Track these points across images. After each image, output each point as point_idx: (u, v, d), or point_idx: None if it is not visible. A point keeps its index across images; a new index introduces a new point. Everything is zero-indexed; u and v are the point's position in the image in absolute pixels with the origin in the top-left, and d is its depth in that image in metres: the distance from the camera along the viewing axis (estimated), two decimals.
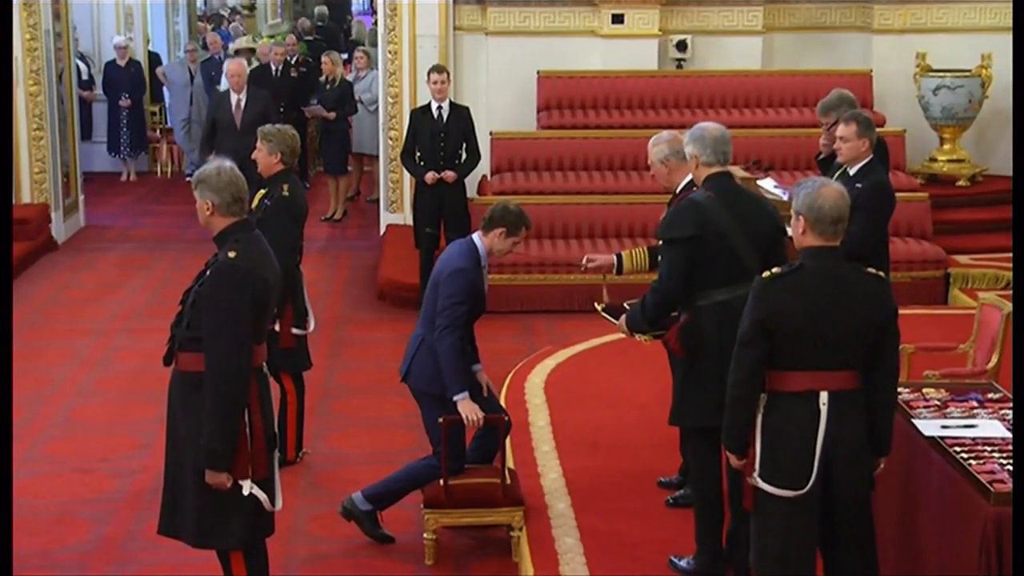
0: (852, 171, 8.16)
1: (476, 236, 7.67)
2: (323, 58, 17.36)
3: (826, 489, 5.76)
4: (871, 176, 8.08)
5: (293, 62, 17.60)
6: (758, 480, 5.82)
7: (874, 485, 5.91)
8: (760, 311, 5.75)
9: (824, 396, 5.70)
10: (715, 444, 6.74)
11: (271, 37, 19.93)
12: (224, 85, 17.83)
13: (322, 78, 17.18)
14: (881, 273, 5.85)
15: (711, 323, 6.76)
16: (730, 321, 6.40)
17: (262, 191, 8.62)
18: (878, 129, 8.50)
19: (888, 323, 5.76)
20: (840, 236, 5.75)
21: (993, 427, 6.21)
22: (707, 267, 6.76)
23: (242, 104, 13.65)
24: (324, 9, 27.91)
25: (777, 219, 6.99)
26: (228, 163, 6.28)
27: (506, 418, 7.73)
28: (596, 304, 7.74)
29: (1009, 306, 8.26)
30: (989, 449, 5.95)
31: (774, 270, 5.88)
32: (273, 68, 17.06)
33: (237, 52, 18.97)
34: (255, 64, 18.25)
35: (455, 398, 7.42)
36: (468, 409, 7.40)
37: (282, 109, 16.69)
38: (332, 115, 16.87)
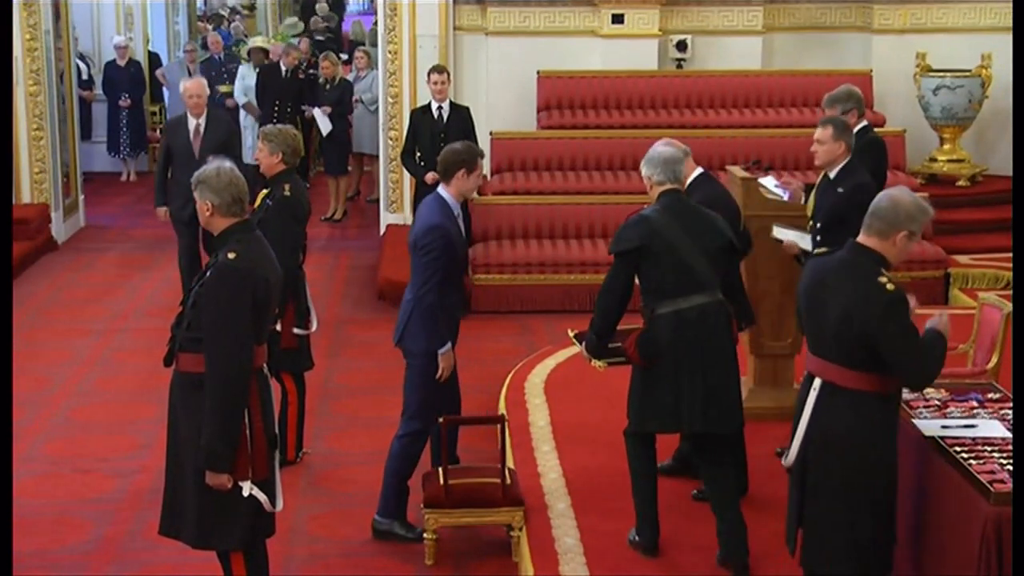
0: (832, 174, 8.22)
1: (441, 189, 7.78)
2: (322, 59, 17.35)
3: (806, 471, 5.99)
4: (851, 178, 8.11)
5: (303, 65, 17.58)
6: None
7: (865, 487, 5.88)
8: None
9: (817, 382, 5.91)
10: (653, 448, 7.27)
11: (294, 37, 19.90)
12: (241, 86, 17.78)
13: (321, 79, 17.15)
14: (891, 286, 5.73)
15: (666, 331, 6.96)
16: (683, 329, 6.89)
17: (264, 191, 8.62)
18: (877, 129, 8.55)
19: (873, 337, 5.69)
20: (875, 236, 5.84)
21: (993, 427, 6.22)
22: (658, 278, 6.98)
23: (201, 129, 11.66)
24: (325, 7, 27.87)
25: (728, 234, 7.17)
26: (228, 163, 6.28)
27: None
28: (569, 331, 7.76)
29: (1009, 306, 8.26)
30: (989, 449, 5.96)
31: (824, 249, 6.27)
32: (283, 70, 17.03)
33: (251, 52, 18.90)
34: (263, 64, 18.17)
35: (440, 351, 7.59)
36: (447, 364, 7.63)
37: (289, 109, 16.66)
38: (328, 110, 16.83)
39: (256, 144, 9.25)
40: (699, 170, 7.96)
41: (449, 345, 7.64)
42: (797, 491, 6.05)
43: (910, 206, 5.84)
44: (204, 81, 12.22)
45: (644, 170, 7.24)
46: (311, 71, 17.81)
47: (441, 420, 7.57)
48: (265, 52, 18.82)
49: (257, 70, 17.60)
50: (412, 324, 7.66)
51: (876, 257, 5.81)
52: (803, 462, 5.98)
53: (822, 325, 5.87)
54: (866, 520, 5.89)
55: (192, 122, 11.73)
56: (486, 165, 13.77)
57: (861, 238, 5.87)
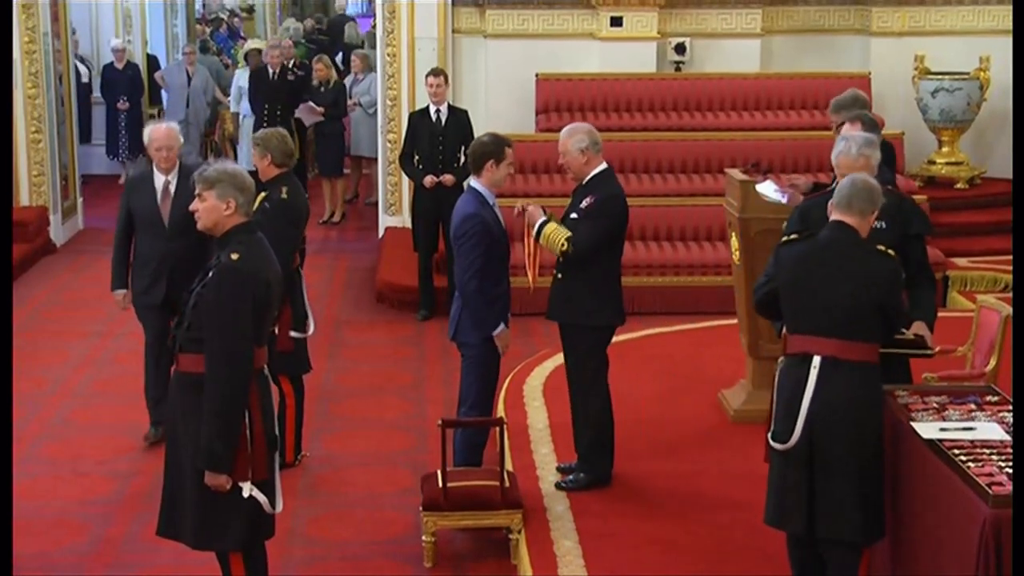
0: None
1: (472, 181, 7.94)
2: (315, 62, 17.31)
3: (813, 448, 6.22)
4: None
5: (291, 66, 17.53)
6: (768, 436, 6.37)
7: (871, 451, 6.22)
8: (772, 269, 6.49)
9: (816, 360, 6.22)
10: None
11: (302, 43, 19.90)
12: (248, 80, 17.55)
13: (315, 82, 17.09)
14: (891, 252, 6.33)
15: None
16: None
17: (262, 194, 8.58)
18: None
19: (886, 304, 6.23)
20: (856, 216, 6.28)
21: (991, 430, 6.18)
22: None
23: (171, 188, 9.15)
24: (344, 3, 27.75)
25: None
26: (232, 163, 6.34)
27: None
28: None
29: (1008, 309, 8.23)
30: (988, 452, 5.92)
31: (792, 236, 6.57)
32: (270, 72, 16.96)
33: (247, 56, 18.82)
34: (253, 68, 18.13)
35: (495, 333, 7.83)
36: (501, 342, 7.89)
37: (278, 113, 16.56)
38: (321, 110, 16.77)
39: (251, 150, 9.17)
40: (604, 165, 8.08)
41: (503, 326, 7.86)
42: (803, 469, 6.23)
43: (879, 188, 6.43)
44: (176, 128, 9.44)
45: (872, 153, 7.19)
46: (300, 72, 17.70)
47: (440, 423, 7.57)
48: (260, 54, 18.79)
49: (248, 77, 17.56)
50: (463, 317, 7.87)
51: (859, 234, 6.30)
52: (808, 440, 6.20)
53: (821, 301, 6.21)
54: (872, 485, 6.23)
55: (160, 179, 9.22)
56: None
57: (841, 217, 6.31)
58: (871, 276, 6.21)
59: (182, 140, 9.48)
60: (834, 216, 6.35)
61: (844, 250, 6.26)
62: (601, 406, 8.14)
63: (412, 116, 12.99)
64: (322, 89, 16.92)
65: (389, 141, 15.22)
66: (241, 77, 17.84)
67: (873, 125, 8.20)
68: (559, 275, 8.10)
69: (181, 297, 6.33)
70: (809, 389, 6.20)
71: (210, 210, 6.17)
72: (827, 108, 14.15)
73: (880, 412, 6.31)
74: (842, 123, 8.79)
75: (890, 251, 6.34)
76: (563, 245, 7.86)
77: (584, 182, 8.02)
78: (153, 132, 9.22)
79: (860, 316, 6.19)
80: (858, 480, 6.19)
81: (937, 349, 7.29)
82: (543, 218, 8.02)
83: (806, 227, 7.09)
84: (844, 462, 6.18)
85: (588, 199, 7.93)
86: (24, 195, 15.43)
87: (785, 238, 6.57)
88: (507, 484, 7.54)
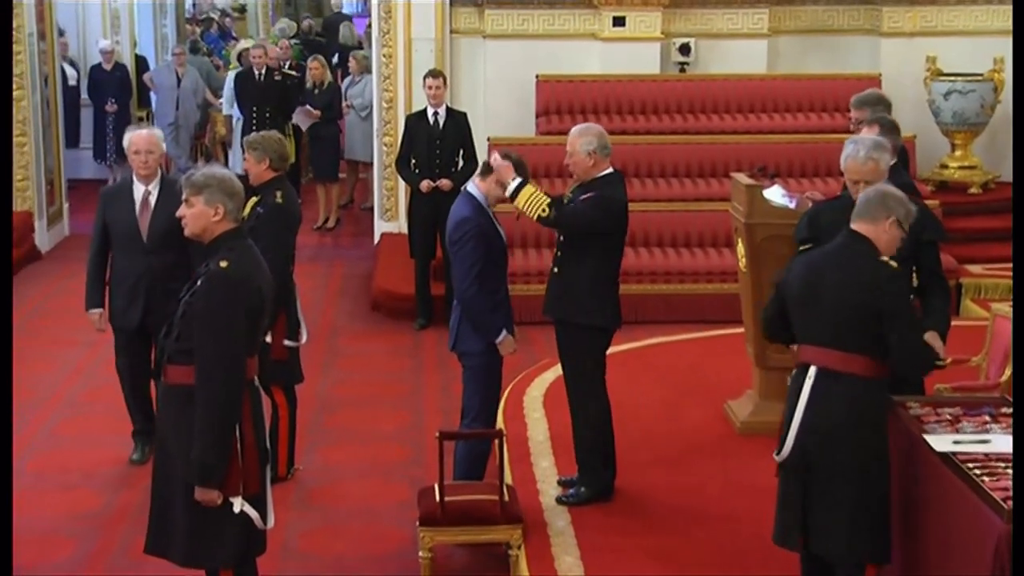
0: None
1: (471, 184, 7.88)
2: (310, 62, 17.16)
3: (807, 462, 6.19)
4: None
5: (286, 67, 17.34)
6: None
7: (862, 470, 6.10)
8: (782, 275, 6.50)
9: (812, 371, 6.19)
10: None
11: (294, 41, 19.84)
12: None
13: (309, 83, 16.91)
14: (893, 263, 6.18)
15: None
16: None
17: (254, 199, 8.49)
18: None
19: (884, 310, 6.08)
20: (868, 222, 6.19)
21: (1006, 442, 6.08)
22: None
23: (151, 200, 8.72)
24: (341, 1, 27.70)
25: None
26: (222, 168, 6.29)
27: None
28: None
29: None
30: (1003, 465, 5.82)
31: (807, 246, 6.72)
32: (256, 73, 16.72)
33: (239, 56, 18.65)
34: (238, 70, 17.97)
35: (496, 341, 7.76)
36: (506, 347, 7.82)
37: (268, 116, 16.30)
38: (317, 113, 16.58)
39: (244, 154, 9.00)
40: (611, 169, 7.96)
41: (505, 332, 7.77)
42: (796, 482, 6.21)
43: (897, 194, 6.31)
44: (159, 135, 8.97)
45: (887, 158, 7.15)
46: (296, 74, 17.49)
47: (437, 435, 7.47)
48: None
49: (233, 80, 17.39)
50: (463, 325, 7.81)
51: (870, 243, 6.20)
52: (803, 452, 6.16)
53: (821, 310, 6.18)
54: (867, 505, 6.13)
55: (139, 189, 8.78)
56: None
57: (854, 225, 6.25)
58: (869, 283, 6.13)
59: (164, 148, 9.06)
60: (851, 225, 6.30)
61: (847, 258, 6.22)
62: (599, 409, 8.05)
63: (409, 119, 12.89)
64: (316, 91, 16.76)
65: (385, 144, 15.11)
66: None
67: (892, 129, 8.05)
68: (556, 269, 8.02)
69: (158, 322, 6.17)
70: (802, 401, 6.17)
71: (198, 216, 6.10)
72: (835, 110, 14.22)
73: (880, 431, 6.20)
74: (861, 121, 8.61)
75: (892, 262, 6.19)
76: (544, 210, 7.76)
77: (587, 183, 7.91)
78: (134, 136, 8.80)
79: (858, 324, 6.10)
80: (850, 499, 6.12)
81: (950, 360, 7.14)
82: (519, 179, 7.84)
83: (815, 232, 7.11)
84: (833, 478, 6.14)
85: (588, 194, 7.83)
86: None
87: (801, 248, 6.57)
88: (506, 498, 7.43)
